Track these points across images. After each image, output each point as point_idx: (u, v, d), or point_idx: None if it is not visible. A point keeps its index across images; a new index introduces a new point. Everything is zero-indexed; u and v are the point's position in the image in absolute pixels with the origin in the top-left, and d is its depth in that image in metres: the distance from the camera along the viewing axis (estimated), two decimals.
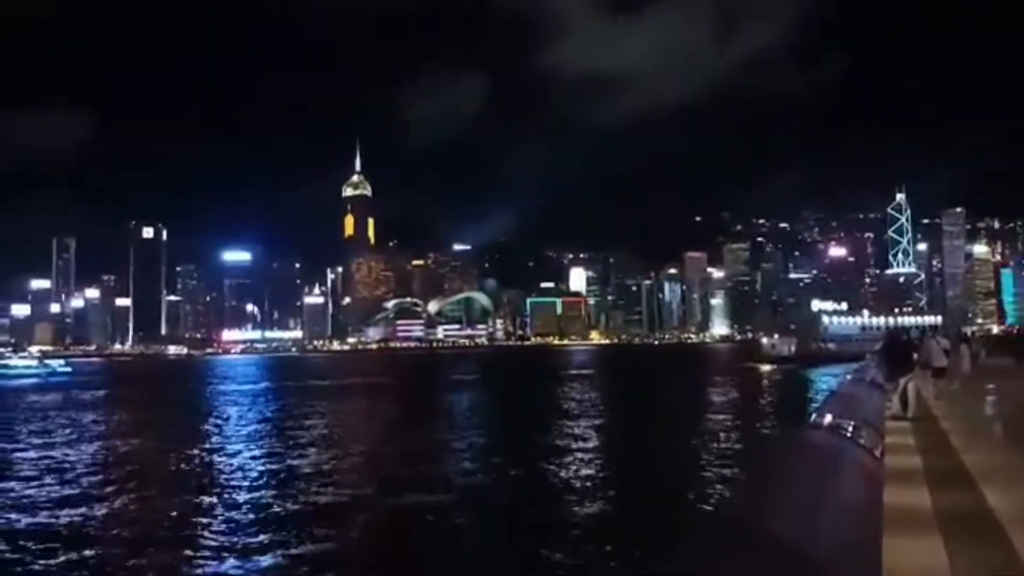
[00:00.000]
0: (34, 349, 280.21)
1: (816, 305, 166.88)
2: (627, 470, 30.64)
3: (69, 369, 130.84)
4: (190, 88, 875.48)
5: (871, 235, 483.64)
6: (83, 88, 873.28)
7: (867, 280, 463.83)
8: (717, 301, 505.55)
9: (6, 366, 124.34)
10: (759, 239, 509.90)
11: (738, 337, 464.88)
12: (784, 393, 68.71)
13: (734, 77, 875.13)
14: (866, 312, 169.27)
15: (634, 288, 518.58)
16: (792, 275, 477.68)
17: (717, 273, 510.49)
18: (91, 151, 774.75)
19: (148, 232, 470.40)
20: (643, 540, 18.69)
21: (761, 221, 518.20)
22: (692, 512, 22.38)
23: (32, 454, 37.75)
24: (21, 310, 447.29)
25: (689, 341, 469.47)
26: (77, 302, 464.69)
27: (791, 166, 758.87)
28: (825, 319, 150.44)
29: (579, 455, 34.44)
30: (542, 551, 18.56)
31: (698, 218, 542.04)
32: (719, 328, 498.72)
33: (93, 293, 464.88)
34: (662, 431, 42.31)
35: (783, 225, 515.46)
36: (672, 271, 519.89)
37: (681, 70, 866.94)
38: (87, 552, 19.54)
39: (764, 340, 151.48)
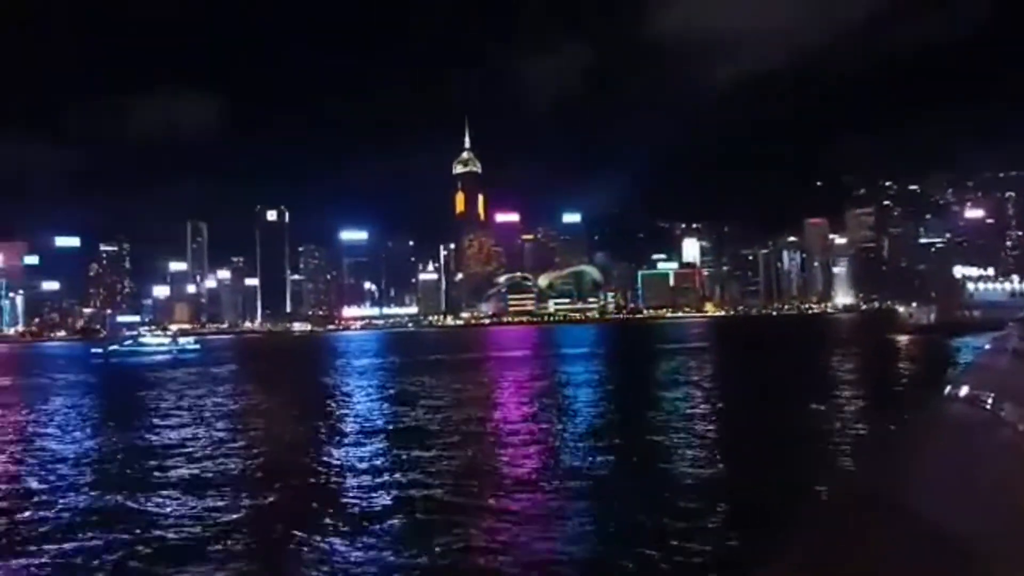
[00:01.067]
0: (173, 327, 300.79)
1: (959, 271, 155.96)
2: (750, 442, 29.22)
3: (198, 346, 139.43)
4: (308, 75, 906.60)
5: (1012, 194, 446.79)
6: (211, 77, 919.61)
7: (1008, 243, 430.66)
8: (840, 269, 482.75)
9: (142, 344, 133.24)
10: (886, 203, 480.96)
11: (863, 306, 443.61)
12: (923, 365, 64.39)
13: (858, 31, 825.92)
14: (1015, 277, 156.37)
15: (751, 257, 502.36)
16: (923, 240, 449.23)
17: (840, 240, 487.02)
18: (218, 139, 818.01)
19: (272, 215, 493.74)
20: (772, 512, 17.70)
21: (888, 183, 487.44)
22: (821, 486, 21.05)
23: (171, 425, 39.95)
24: (161, 291, 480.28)
25: (810, 311, 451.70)
26: (210, 283, 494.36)
27: (920, 124, 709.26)
28: (970, 286, 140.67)
29: (700, 428, 33.25)
30: (660, 518, 17.87)
31: (819, 183, 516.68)
32: (842, 297, 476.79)
33: (224, 274, 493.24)
34: (787, 404, 40.33)
35: (912, 187, 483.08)
36: (791, 239, 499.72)
37: (801, 26, 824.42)
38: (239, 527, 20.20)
39: (901, 309, 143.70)
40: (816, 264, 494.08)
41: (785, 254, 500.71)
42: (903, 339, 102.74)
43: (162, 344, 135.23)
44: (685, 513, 19.11)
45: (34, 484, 25.72)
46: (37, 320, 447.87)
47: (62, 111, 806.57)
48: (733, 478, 23.61)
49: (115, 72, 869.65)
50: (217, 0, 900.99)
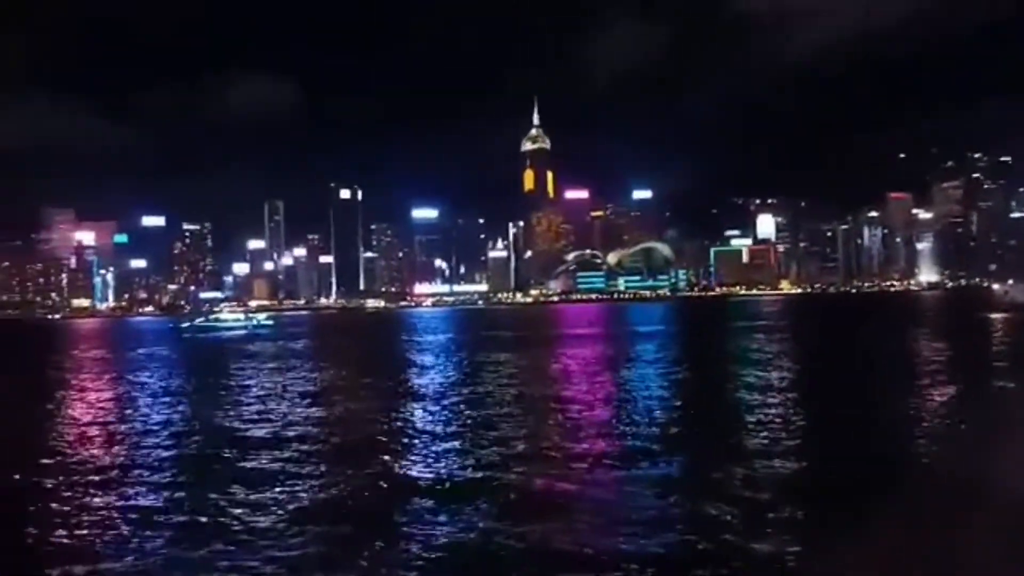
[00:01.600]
0: (252, 303, 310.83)
1: None
2: (831, 426, 28.31)
3: (271, 323, 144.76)
4: (378, 55, 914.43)
5: None
6: (287, 59, 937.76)
7: None
8: (924, 245, 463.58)
9: (218, 319, 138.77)
10: (975, 176, 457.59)
11: (949, 284, 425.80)
12: (1020, 346, 61.33)
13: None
14: None
15: (829, 233, 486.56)
16: (1015, 214, 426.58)
17: (924, 215, 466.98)
18: (294, 119, 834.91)
19: (346, 193, 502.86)
20: (854, 499, 17.43)
21: (977, 155, 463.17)
22: (910, 470, 20.32)
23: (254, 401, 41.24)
24: (241, 268, 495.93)
25: (892, 289, 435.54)
26: (287, 260, 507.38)
27: (1013, 91, 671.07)
28: None
29: (778, 411, 32.43)
30: (733, 504, 17.48)
31: (902, 155, 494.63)
32: (926, 275, 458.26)
33: (300, 251, 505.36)
34: (871, 386, 39.02)
35: (1004, 159, 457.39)
36: (872, 214, 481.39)
37: None
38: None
39: (996, 287, 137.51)
40: (898, 240, 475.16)
41: (865, 230, 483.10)
42: (998, 317, 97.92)
43: (238, 320, 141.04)
44: (760, 500, 18.58)
45: (132, 451, 26.99)
46: (126, 296, 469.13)
47: (149, 96, 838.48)
48: (813, 462, 22.90)
49: (196, 55, 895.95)
50: None
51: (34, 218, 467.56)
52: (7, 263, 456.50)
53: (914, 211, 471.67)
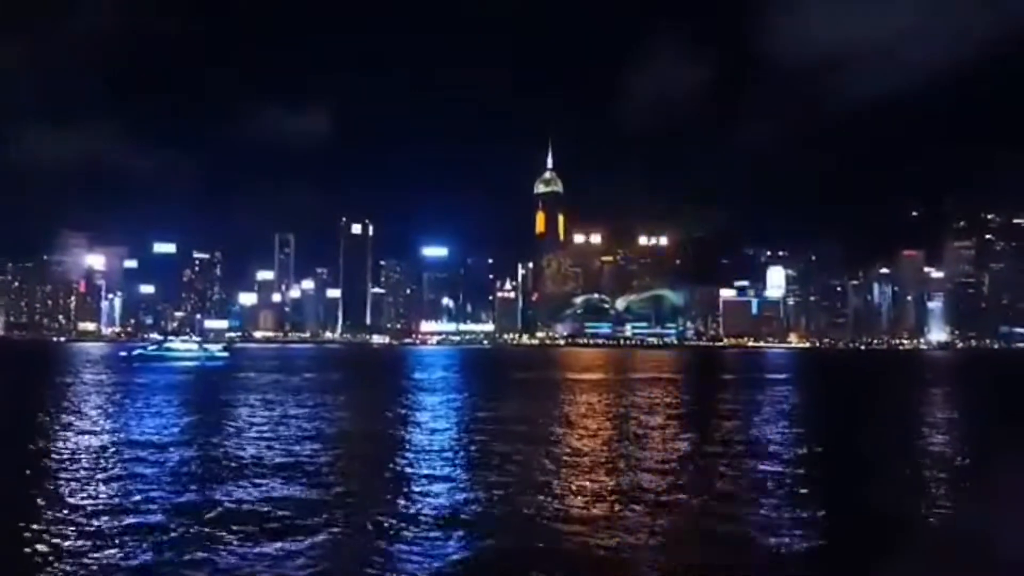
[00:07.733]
0: (258, 334, 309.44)
1: None
2: (836, 485, 26.88)
3: (227, 354, 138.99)
4: (394, 91, 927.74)
5: None
6: (304, 95, 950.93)
7: None
8: (935, 304, 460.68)
9: (169, 349, 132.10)
10: (988, 236, 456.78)
11: (959, 344, 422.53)
12: None
13: (965, 50, 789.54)
14: None
15: (839, 288, 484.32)
16: None
17: (936, 273, 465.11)
18: (307, 153, 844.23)
19: (356, 228, 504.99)
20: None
21: (990, 216, 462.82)
22: (912, 530, 19.83)
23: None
24: (248, 299, 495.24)
25: (901, 347, 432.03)
26: (295, 292, 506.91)
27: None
28: None
29: (793, 468, 30.97)
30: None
31: (915, 212, 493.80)
32: (936, 334, 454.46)
33: (308, 284, 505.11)
34: (876, 445, 37.51)
35: (1018, 220, 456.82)
36: (883, 271, 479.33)
37: (906, 46, 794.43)
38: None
39: None
40: (909, 298, 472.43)
41: (876, 286, 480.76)
42: None
43: (189, 350, 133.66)
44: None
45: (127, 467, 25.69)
46: (132, 321, 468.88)
47: (168, 125, 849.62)
48: (816, 514, 21.60)
49: (215, 87, 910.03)
50: (310, 16, 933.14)
51: (48, 241, 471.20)
52: (18, 284, 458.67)
53: (926, 269, 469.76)
